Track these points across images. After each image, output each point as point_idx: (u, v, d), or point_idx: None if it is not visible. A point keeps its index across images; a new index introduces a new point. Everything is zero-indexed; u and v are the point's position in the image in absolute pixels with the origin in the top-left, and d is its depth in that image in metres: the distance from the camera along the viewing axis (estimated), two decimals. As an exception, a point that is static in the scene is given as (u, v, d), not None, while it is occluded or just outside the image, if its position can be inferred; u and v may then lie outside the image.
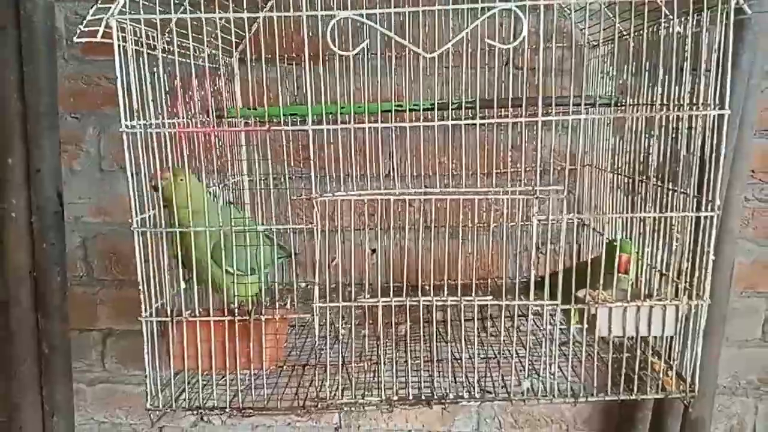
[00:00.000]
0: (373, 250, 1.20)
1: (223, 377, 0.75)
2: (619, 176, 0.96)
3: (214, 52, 0.97)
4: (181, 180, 0.71)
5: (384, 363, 0.77)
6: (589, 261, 0.87)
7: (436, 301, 0.68)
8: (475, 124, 1.04)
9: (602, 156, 1.07)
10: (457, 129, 1.13)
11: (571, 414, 1.24)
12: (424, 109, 0.92)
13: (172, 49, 0.79)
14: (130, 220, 0.69)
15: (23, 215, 1.08)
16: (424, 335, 0.86)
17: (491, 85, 1.09)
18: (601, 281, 0.73)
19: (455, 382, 0.74)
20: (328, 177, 0.72)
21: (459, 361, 0.75)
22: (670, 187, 0.76)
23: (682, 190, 0.76)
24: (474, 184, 1.02)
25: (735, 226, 1.01)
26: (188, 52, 0.80)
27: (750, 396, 1.22)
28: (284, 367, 0.80)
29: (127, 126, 0.68)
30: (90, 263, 1.21)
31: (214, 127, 0.66)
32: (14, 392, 1.12)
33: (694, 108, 0.69)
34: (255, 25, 1.02)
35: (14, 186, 1.07)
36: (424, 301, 0.69)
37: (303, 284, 1.14)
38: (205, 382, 0.75)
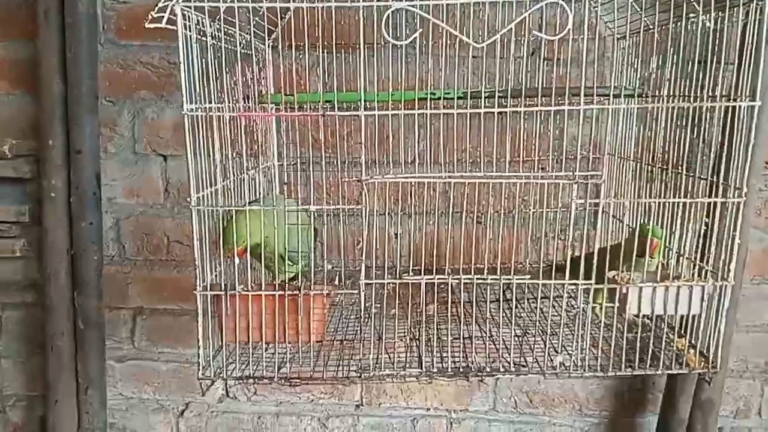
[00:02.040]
0: (397, 235, 1.24)
1: (269, 349, 0.79)
2: (642, 165, 1.01)
3: (252, 39, 1.01)
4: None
5: (421, 339, 0.81)
6: (615, 245, 0.91)
7: (477, 279, 0.72)
8: (503, 113, 1.08)
9: (625, 146, 1.11)
10: (486, 117, 1.17)
11: (585, 395, 1.29)
12: (457, 98, 0.96)
13: (221, 35, 0.82)
14: (188, 199, 0.73)
15: (62, 195, 1.11)
16: (452, 314, 0.91)
17: (518, 75, 1.13)
18: (633, 263, 0.77)
19: (488, 358, 0.78)
20: (349, 162, 0.76)
21: (491, 338, 0.79)
22: (696, 174, 0.80)
23: (705, 177, 0.80)
24: (500, 172, 1.06)
25: (750, 214, 1.05)
26: (233, 39, 0.83)
27: (756, 379, 1.27)
28: (326, 342, 0.84)
29: (189, 109, 0.71)
30: (122, 243, 1.25)
31: (271, 112, 0.69)
32: (51, 366, 1.15)
33: (724, 99, 0.73)
34: (288, 14, 1.05)
35: (54, 166, 1.10)
36: (465, 279, 0.73)
37: (329, 266, 1.19)
38: (253, 353, 0.79)
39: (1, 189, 1.19)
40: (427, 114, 0.78)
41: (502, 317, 0.87)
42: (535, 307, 0.85)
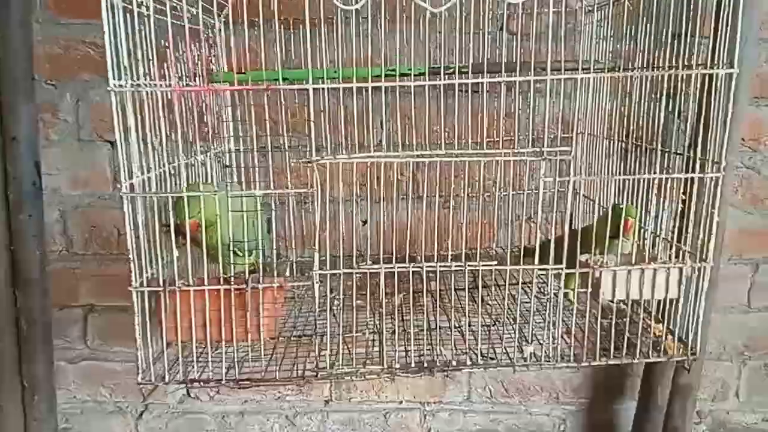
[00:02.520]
0: (364, 222, 1.18)
1: (217, 349, 0.73)
2: (616, 142, 0.96)
3: (199, 12, 0.93)
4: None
5: (383, 332, 0.75)
6: (587, 227, 0.86)
7: (440, 267, 0.67)
8: (465, 90, 1.02)
9: (597, 123, 1.06)
10: (450, 96, 1.11)
11: (561, 382, 1.25)
12: (416, 75, 0.89)
13: (160, 8, 0.74)
14: (118, 186, 0.66)
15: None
16: (418, 305, 0.85)
17: (484, 51, 1.07)
18: (606, 245, 0.72)
19: (455, 350, 0.73)
20: (314, 147, 0.69)
21: (459, 328, 0.73)
22: (672, 150, 0.76)
23: (681, 152, 0.75)
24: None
25: (727, 192, 1.02)
26: (176, 12, 0.75)
27: (734, 361, 1.24)
28: (280, 338, 0.78)
29: (115, 85, 0.63)
30: (70, 237, 1.17)
31: (210, 87, 0.62)
32: (-7, 371, 1.07)
33: (700, 68, 0.68)
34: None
35: (-13, 156, 1.01)
36: (427, 267, 0.67)
37: (293, 258, 1.12)
38: (198, 354, 0.72)
39: (-69, 181, 1.09)
40: (384, 91, 0.72)
41: (471, 306, 0.81)
42: (506, 295, 0.80)
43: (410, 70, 0.90)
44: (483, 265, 0.68)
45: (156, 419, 1.25)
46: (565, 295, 0.78)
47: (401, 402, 1.24)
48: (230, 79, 0.92)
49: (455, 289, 0.76)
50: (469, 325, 0.74)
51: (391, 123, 1.11)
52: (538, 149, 0.64)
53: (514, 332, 0.73)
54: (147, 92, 0.66)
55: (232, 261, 0.71)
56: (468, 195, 1.13)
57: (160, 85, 0.66)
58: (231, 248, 0.72)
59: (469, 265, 0.67)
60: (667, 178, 0.70)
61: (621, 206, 0.81)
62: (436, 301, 0.75)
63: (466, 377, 1.23)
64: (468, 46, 1.02)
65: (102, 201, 1.15)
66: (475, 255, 1.10)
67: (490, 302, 0.91)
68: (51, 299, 1.11)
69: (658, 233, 0.79)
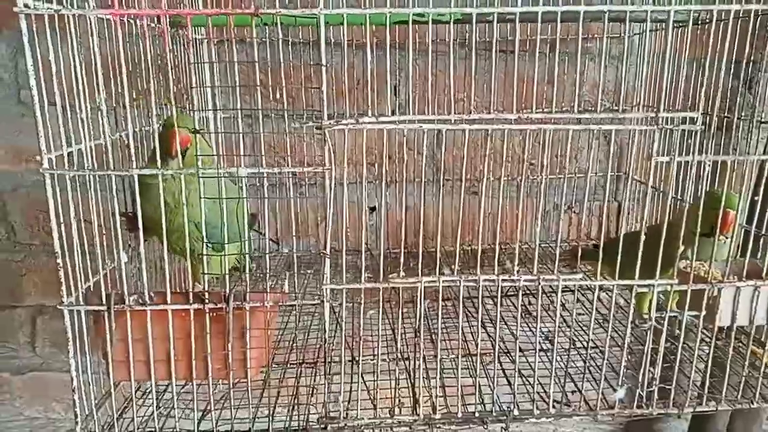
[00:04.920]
0: (373, 209, 0.98)
1: (184, 387, 0.53)
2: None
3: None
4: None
5: (410, 360, 0.56)
6: (669, 222, 0.67)
7: (501, 281, 0.47)
8: (501, 51, 0.81)
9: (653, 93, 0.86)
10: (481, 57, 0.90)
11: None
12: (455, 22, 0.68)
13: None
14: (38, 158, 0.45)
15: None
16: (448, 320, 0.66)
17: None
18: (696, 246, 0.52)
19: (510, 386, 0.54)
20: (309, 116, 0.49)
21: (510, 354, 0.54)
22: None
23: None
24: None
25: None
26: None
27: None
28: (274, 366, 0.58)
29: (26, 5, 0.42)
30: (11, 223, 0.95)
31: (171, 10, 0.42)
32: None
33: None
34: None
35: None
36: (484, 281, 0.47)
37: (285, 250, 0.92)
38: (159, 396, 0.52)
39: None
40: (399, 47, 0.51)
41: (521, 323, 0.62)
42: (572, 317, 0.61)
43: (442, 16, 0.69)
44: (564, 279, 0.48)
45: (121, 440, 1.05)
46: (639, 310, 0.60)
47: None
48: (202, 23, 0.71)
49: (498, 305, 0.56)
50: (520, 351, 0.54)
51: (407, 87, 0.90)
52: (652, 114, 0.44)
53: (583, 362, 0.54)
54: (71, 17, 0.44)
55: (205, 261, 0.50)
56: (501, 179, 0.93)
57: (93, 8, 0.44)
58: (204, 243, 0.51)
59: (526, 279, 0.47)
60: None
61: (718, 193, 0.61)
62: (475, 315, 0.55)
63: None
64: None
65: (50, 179, 0.93)
66: (505, 252, 0.92)
67: (533, 313, 0.71)
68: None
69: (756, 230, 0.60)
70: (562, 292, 0.54)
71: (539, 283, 0.47)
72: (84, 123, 0.47)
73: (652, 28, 0.88)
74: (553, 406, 0.50)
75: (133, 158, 0.46)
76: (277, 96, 0.67)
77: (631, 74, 0.92)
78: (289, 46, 0.84)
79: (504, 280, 0.47)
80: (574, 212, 0.99)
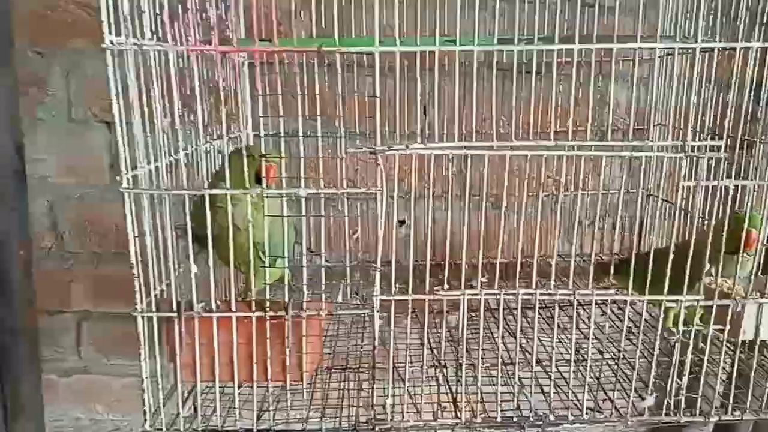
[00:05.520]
0: (402, 222, 1.02)
1: (242, 389, 0.57)
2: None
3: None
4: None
5: (447, 367, 0.60)
6: (694, 240, 0.70)
7: (541, 295, 0.51)
8: (528, 72, 0.84)
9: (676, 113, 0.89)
10: (507, 78, 0.94)
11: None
12: (480, 45, 0.72)
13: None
14: (118, 178, 0.49)
15: (-27, 173, 0.86)
16: (486, 333, 0.69)
17: (551, 23, 0.90)
18: (720, 263, 0.56)
19: (543, 394, 0.57)
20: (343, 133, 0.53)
21: (547, 364, 0.58)
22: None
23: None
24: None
25: None
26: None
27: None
28: (321, 372, 0.62)
29: (111, 42, 0.47)
30: (60, 233, 1.00)
31: (241, 47, 0.46)
32: (-32, 390, 0.92)
33: None
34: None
35: (-41, 136, 0.85)
36: (523, 295, 0.51)
37: (317, 262, 0.96)
38: (223, 397, 0.57)
39: None
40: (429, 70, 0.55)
41: (548, 334, 0.65)
42: (588, 320, 0.64)
43: (472, 41, 0.73)
44: (598, 295, 0.52)
45: (159, 441, 1.10)
46: (669, 324, 0.63)
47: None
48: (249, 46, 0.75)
49: (536, 318, 0.60)
50: (550, 360, 0.58)
51: (436, 109, 0.94)
52: (680, 143, 0.48)
53: (613, 373, 0.57)
54: (154, 53, 0.49)
55: (267, 273, 0.55)
56: (527, 195, 0.96)
57: (172, 44, 0.49)
58: (264, 259, 0.56)
59: (580, 294, 0.51)
60: None
61: (742, 213, 0.65)
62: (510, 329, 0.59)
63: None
64: (532, 17, 0.85)
65: (98, 191, 0.99)
66: (530, 266, 0.96)
67: (567, 327, 0.75)
68: (36, 306, 0.95)
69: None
70: (588, 305, 0.58)
71: (575, 297, 0.51)
72: (159, 146, 0.52)
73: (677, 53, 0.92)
74: (587, 413, 0.54)
75: (205, 179, 0.51)
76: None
77: (654, 96, 0.95)
78: (325, 71, 0.89)
79: (542, 294, 0.51)
80: (598, 228, 1.03)
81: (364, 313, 0.53)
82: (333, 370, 0.63)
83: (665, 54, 0.94)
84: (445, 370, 0.60)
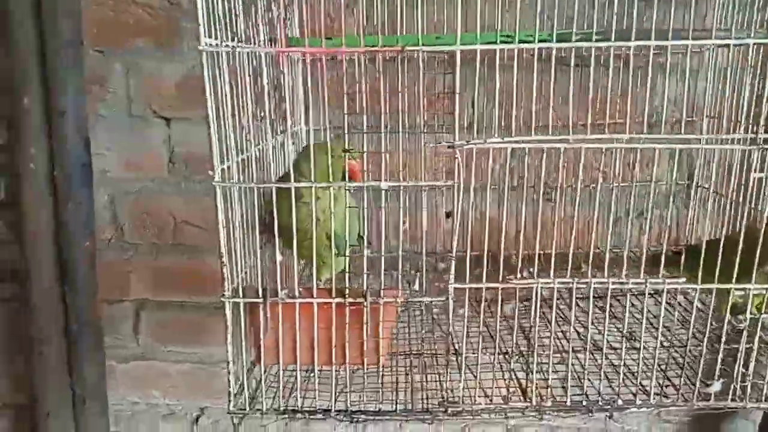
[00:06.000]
0: (449, 214, 1.04)
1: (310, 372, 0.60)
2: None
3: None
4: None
5: (528, 361, 0.61)
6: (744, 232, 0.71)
7: (612, 284, 0.53)
8: (576, 65, 0.86)
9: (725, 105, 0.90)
10: (559, 71, 0.95)
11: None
12: (540, 41, 0.73)
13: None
14: (210, 172, 0.52)
15: (44, 167, 0.90)
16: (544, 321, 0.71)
17: (599, 18, 0.91)
18: None
19: (607, 381, 0.59)
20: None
21: (615, 351, 0.59)
22: None
23: None
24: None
25: None
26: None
27: None
28: (395, 358, 0.65)
29: (207, 44, 0.50)
30: (120, 225, 1.04)
31: (324, 49, 0.48)
32: (38, 375, 0.96)
33: None
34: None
35: (32, 132, 0.89)
36: (596, 283, 0.53)
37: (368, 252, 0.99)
38: (303, 379, 0.60)
39: (-32, 160, 0.98)
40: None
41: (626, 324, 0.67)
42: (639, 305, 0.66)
43: (530, 36, 0.75)
44: (669, 283, 0.53)
45: (213, 425, 1.14)
46: (734, 315, 0.64)
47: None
48: (314, 44, 0.78)
49: (590, 304, 0.61)
50: (608, 345, 0.60)
51: (484, 101, 0.96)
52: (751, 135, 0.49)
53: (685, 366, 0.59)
54: (245, 55, 0.52)
55: (347, 262, 0.58)
56: (572, 187, 0.98)
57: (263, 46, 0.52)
58: (335, 249, 0.59)
59: (651, 281, 0.53)
60: None
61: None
62: (566, 317, 0.61)
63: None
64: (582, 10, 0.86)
65: (156, 185, 1.03)
66: (581, 257, 0.97)
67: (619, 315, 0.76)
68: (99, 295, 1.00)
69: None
70: (639, 294, 0.60)
71: (646, 286, 0.53)
72: (248, 140, 0.55)
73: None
74: (653, 398, 0.55)
75: (291, 173, 0.53)
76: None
77: (709, 88, 0.96)
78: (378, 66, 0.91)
79: (614, 283, 0.53)
80: (645, 218, 1.03)
81: (441, 301, 0.55)
82: (403, 356, 0.66)
83: (715, 47, 0.94)
84: (512, 356, 0.62)
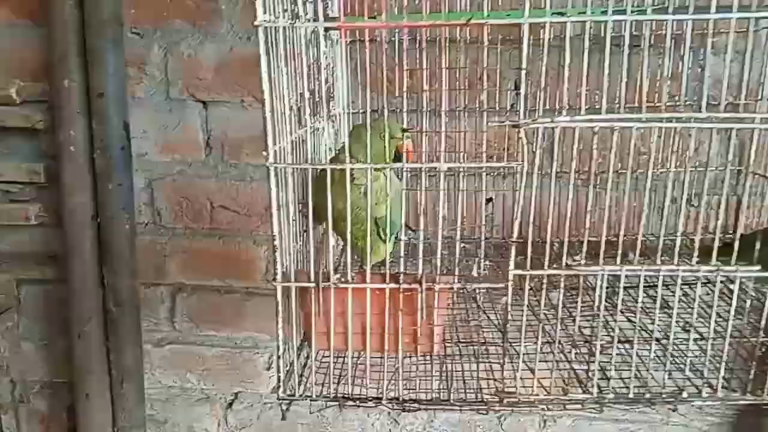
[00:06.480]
0: (489, 200, 1.02)
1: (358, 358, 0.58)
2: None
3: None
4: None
5: (595, 349, 0.59)
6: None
7: (683, 272, 0.50)
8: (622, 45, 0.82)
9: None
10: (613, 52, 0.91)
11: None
12: (593, 15, 0.70)
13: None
14: (265, 153, 0.51)
15: (84, 150, 0.90)
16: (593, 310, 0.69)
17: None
18: None
19: (668, 373, 0.56)
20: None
21: (659, 342, 0.57)
22: None
23: None
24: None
25: None
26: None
27: None
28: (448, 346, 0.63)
29: (265, 20, 0.48)
30: (157, 209, 1.04)
31: (386, 23, 0.46)
32: (78, 356, 0.97)
33: None
34: None
35: (72, 114, 0.88)
36: (666, 272, 0.50)
37: (405, 238, 0.97)
38: (353, 364, 0.58)
39: (9, 142, 0.98)
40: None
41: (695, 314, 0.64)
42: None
43: (584, 11, 0.71)
44: (743, 272, 0.51)
45: (247, 409, 1.14)
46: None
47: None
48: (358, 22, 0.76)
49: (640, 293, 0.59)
50: (665, 337, 0.57)
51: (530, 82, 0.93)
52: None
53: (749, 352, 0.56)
54: (304, 30, 0.50)
55: (403, 246, 0.56)
56: (617, 172, 0.94)
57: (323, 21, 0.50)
58: (384, 233, 0.57)
59: (724, 270, 0.50)
60: None
61: None
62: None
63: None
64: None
65: (193, 168, 1.02)
66: (629, 245, 0.94)
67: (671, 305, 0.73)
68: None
69: None
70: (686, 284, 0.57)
71: (717, 275, 0.50)
72: (304, 119, 0.53)
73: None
74: (720, 390, 0.53)
75: (348, 155, 0.52)
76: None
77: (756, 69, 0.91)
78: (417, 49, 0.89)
79: (684, 271, 0.50)
80: (692, 205, 1.00)
81: (499, 288, 0.53)
82: (451, 344, 0.64)
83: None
84: (572, 347, 0.60)
